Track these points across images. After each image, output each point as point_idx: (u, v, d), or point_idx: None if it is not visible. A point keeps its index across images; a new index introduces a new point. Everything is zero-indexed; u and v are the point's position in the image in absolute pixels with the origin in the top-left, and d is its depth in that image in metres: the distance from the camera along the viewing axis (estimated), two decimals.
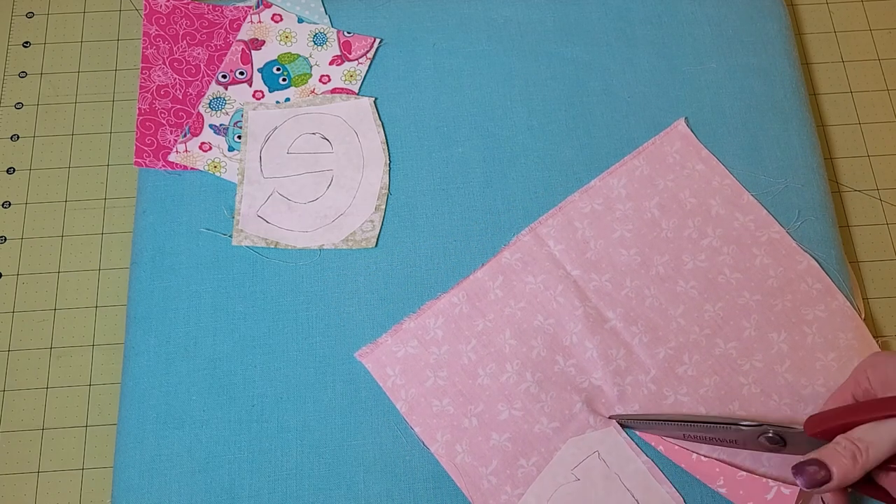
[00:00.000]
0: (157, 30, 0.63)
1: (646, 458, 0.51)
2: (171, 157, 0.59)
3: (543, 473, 0.51)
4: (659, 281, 0.56)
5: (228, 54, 0.62)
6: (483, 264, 0.57)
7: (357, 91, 0.61)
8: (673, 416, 0.52)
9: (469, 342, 0.55)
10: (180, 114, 0.61)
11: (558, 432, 0.52)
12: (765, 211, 0.58)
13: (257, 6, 0.63)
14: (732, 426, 0.49)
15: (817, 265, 0.57)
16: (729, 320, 0.55)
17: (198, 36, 0.63)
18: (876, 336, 0.58)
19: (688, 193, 0.59)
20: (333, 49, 0.63)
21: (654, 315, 0.55)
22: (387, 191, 0.59)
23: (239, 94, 0.61)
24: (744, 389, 0.54)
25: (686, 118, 0.61)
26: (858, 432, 0.44)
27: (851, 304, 0.56)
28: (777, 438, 0.48)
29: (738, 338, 0.55)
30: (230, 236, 0.57)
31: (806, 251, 0.57)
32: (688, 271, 0.56)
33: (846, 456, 0.43)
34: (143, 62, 0.62)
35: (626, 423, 0.52)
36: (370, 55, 0.62)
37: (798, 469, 0.45)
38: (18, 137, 0.63)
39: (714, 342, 0.55)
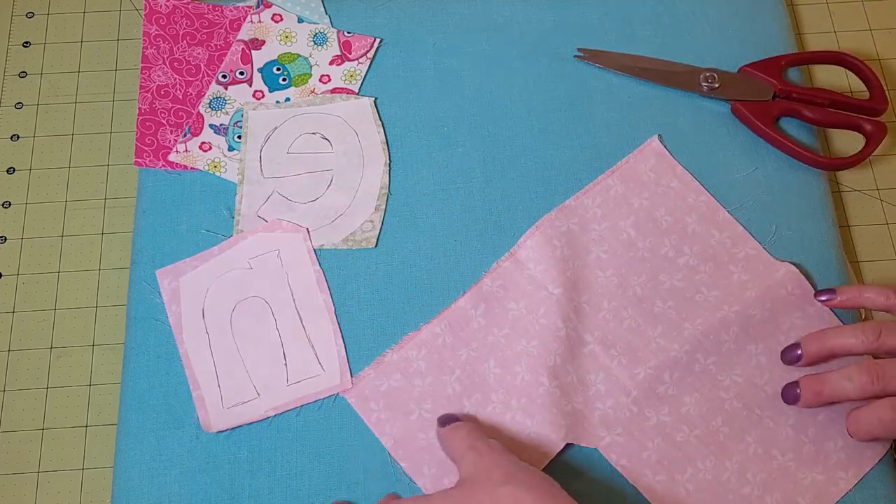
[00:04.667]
0: (157, 30, 0.63)
1: (318, 267, 0.55)
2: (171, 157, 0.59)
3: (222, 255, 0.55)
4: (636, 302, 0.55)
5: (228, 54, 0.62)
6: (464, 293, 0.56)
7: (357, 91, 0.61)
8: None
9: (453, 373, 0.54)
10: (180, 114, 0.61)
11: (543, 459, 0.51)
12: (741, 227, 0.57)
13: (257, 6, 0.63)
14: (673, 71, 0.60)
15: (796, 270, 0.56)
16: (709, 334, 0.54)
17: (198, 36, 0.63)
18: None
19: (663, 211, 0.58)
20: (333, 49, 0.62)
21: (632, 337, 0.54)
22: (387, 191, 0.59)
23: (239, 94, 0.61)
24: (726, 405, 0.53)
25: (660, 135, 0.60)
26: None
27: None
28: (713, 77, 0.60)
29: (718, 352, 0.54)
30: (230, 236, 0.57)
31: (784, 261, 0.56)
32: (665, 291, 0.56)
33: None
34: (143, 62, 0.62)
35: (594, 61, 0.61)
36: (370, 55, 0.62)
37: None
38: (18, 137, 0.63)
39: (694, 358, 0.54)
